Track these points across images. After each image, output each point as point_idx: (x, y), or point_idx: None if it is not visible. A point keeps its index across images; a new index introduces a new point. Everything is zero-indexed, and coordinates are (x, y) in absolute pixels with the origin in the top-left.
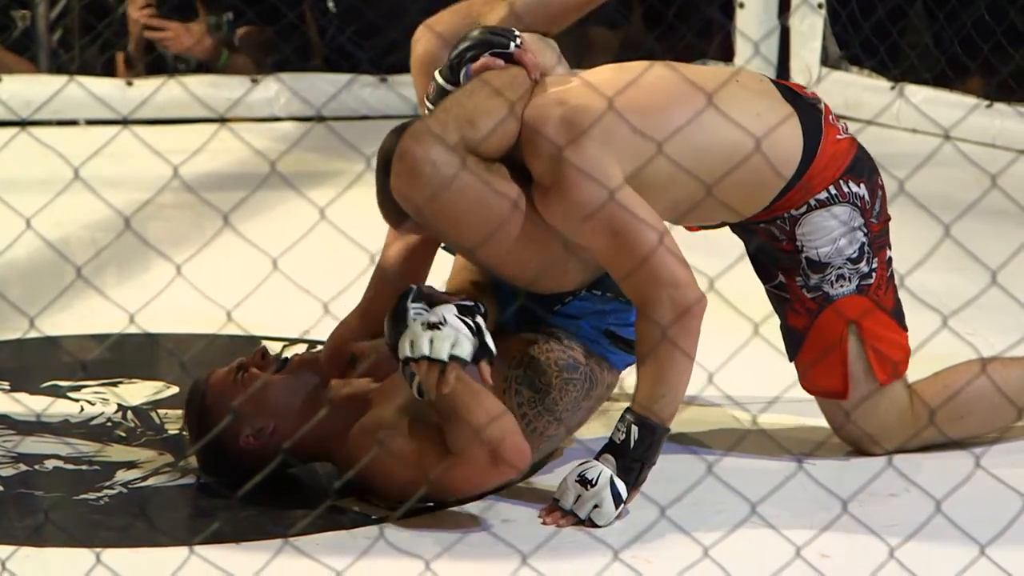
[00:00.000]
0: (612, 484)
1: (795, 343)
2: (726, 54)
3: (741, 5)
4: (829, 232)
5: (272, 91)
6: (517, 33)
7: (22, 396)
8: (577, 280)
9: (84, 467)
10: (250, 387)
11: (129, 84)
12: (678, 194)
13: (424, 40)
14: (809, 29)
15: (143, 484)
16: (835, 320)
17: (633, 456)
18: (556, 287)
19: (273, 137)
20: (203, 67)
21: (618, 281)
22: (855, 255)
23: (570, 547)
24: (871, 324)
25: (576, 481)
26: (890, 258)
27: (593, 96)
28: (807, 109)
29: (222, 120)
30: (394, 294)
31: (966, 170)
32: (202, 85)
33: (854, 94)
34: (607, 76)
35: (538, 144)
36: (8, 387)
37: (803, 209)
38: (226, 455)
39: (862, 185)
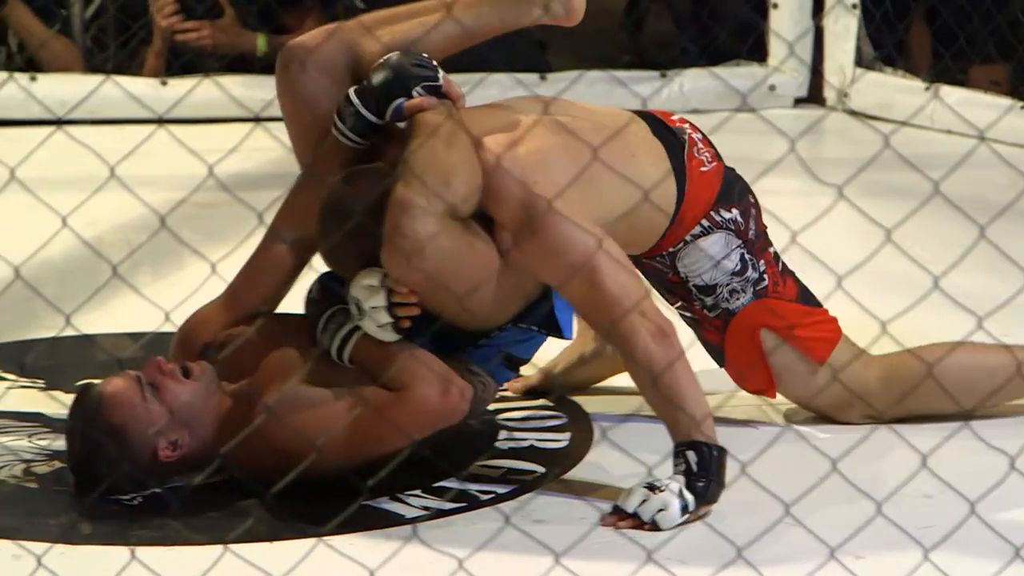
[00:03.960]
0: (681, 493)
1: (717, 356)
2: (760, 55)
3: (775, 5)
4: (708, 260)
5: None
6: (434, 62)
7: (57, 394)
8: (510, 315)
9: None
10: (163, 398)
11: (164, 84)
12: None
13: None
14: (843, 30)
15: (177, 483)
16: (744, 331)
17: (698, 475)
18: (492, 324)
19: None
20: (239, 63)
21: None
22: (738, 268)
23: (603, 548)
24: (782, 321)
25: (643, 487)
26: (775, 253)
27: (545, 139)
28: (674, 147)
29: (256, 119)
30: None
31: (1001, 171)
32: (237, 85)
33: (888, 95)
34: (541, 119)
35: (504, 190)
36: (43, 385)
37: (680, 245)
38: (138, 468)
39: (734, 210)
